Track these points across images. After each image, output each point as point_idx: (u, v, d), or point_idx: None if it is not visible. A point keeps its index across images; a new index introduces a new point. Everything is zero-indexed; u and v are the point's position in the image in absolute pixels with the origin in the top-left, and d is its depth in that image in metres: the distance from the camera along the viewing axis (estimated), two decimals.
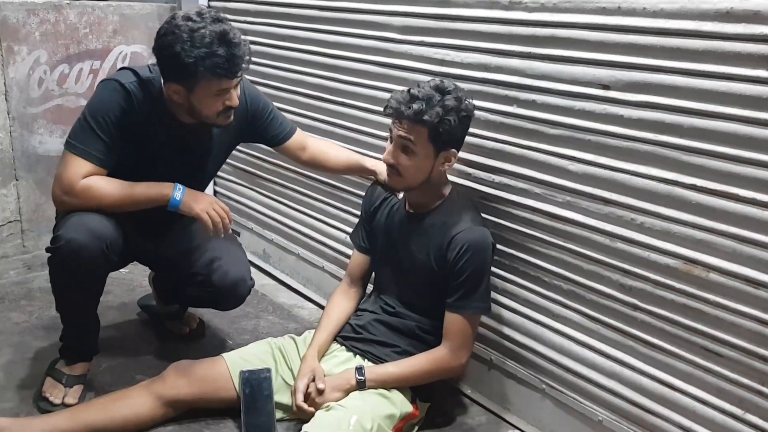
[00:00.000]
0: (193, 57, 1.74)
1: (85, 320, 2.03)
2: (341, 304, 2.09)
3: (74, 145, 1.86)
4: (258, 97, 2.13)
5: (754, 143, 1.41)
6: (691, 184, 1.53)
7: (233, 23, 2.81)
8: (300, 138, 2.23)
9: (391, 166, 1.84)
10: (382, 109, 2.25)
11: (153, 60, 1.87)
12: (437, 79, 1.84)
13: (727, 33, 1.42)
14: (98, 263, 1.87)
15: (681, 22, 1.49)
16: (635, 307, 1.69)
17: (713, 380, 1.57)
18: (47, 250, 1.88)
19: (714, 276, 1.52)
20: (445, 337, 1.88)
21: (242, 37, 1.81)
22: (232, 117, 1.92)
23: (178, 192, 1.90)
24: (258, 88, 2.18)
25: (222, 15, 1.82)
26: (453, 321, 1.85)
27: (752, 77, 1.39)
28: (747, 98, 1.41)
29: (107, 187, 1.86)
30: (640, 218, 1.64)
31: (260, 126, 2.14)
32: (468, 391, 2.15)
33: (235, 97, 1.86)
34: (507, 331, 2.02)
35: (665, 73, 1.53)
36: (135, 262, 2.29)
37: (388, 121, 2.25)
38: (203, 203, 1.92)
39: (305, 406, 1.83)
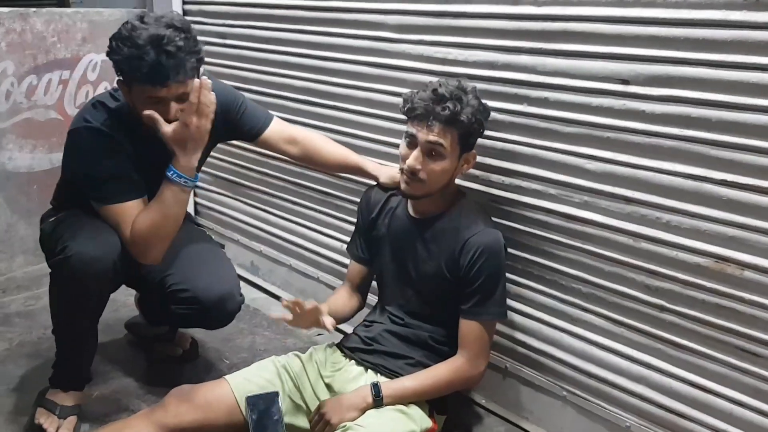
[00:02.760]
0: (119, 56, 1.68)
1: (84, 343, 1.93)
2: (343, 296, 2.02)
3: (106, 198, 1.79)
4: (224, 90, 2.00)
5: None
6: (722, 180, 1.48)
7: (210, 27, 2.79)
8: (281, 128, 2.11)
9: (413, 173, 1.73)
10: (377, 111, 2.22)
11: None
12: (453, 79, 1.76)
13: (757, 22, 1.37)
14: (109, 277, 1.78)
15: (706, 12, 1.44)
16: (662, 309, 1.64)
17: (750, 381, 1.52)
18: (51, 263, 1.77)
19: (749, 273, 1.48)
20: (461, 346, 1.80)
21: (196, 44, 1.71)
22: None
23: (171, 174, 1.78)
24: (226, 82, 2.07)
25: (185, 22, 1.72)
26: (469, 328, 1.78)
27: None
28: None
29: (149, 215, 1.78)
30: (666, 216, 1.58)
31: (233, 121, 2.02)
32: (483, 401, 2.07)
33: (172, 111, 1.73)
34: (522, 337, 1.96)
35: (690, 65, 1.48)
36: None
37: (384, 123, 2.21)
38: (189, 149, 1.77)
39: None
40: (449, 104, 1.65)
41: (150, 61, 1.65)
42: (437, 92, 1.68)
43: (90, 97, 3.02)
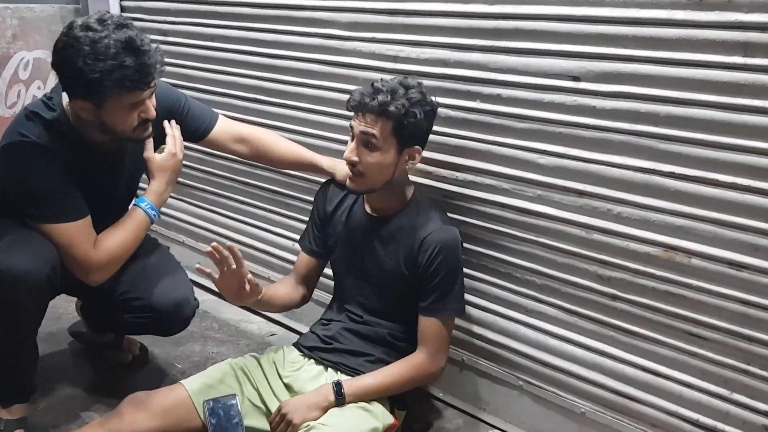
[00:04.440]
0: (98, 71, 1.58)
1: (23, 355, 1.84)
2: (287, 285, 2.00)
3: (51, 217, 1.72)
4: (166, 90, 1.95)
5: (731, 128, 1.44)
6: (669, 172, 1.54)
7: (150, 24, 2.73)
8: (228, 127, 2.06)
9: (352, 166, 1.75)
10: (327, 108, 2.22)
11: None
12: (400, 76, 1.78)
13: (701, 21, 1.44)
14: (43, 290, 1.70)
15: (653, 11, 1.50)
16: (614, 297, 1.69)
17: (698, 363, 1.59)
18: None
19: (696, 261, 1.54)
20: (421, 343, 1.81)
21: (151, 40, 1.67)
22: (150, 129, 1.78)
23: (144, 205, 1.84)
24: (167, 83, 2.02)
25: (126, 19, 1.67)
26: (429, 325, 1.80)
27: (727, 64, 1.42)
28: (723, 84, 1.43)
29: (118, 238, 1.81)
30: (617, 208, 1.64)
31: (178, 123, 1.96)
32: (440, 395, 2.10)
33: (151, 108, 1.72)
34: (478, 330, 1.99)
35: (638, 62, 1.54)
36: None
37: (335, 121, 2.21)
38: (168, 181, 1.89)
39: None
40: (379, 96, 1.69)
41: (136, 66, 1.60)
42: (374, 86, 1.73)
43: (22, 96, 2.93)
